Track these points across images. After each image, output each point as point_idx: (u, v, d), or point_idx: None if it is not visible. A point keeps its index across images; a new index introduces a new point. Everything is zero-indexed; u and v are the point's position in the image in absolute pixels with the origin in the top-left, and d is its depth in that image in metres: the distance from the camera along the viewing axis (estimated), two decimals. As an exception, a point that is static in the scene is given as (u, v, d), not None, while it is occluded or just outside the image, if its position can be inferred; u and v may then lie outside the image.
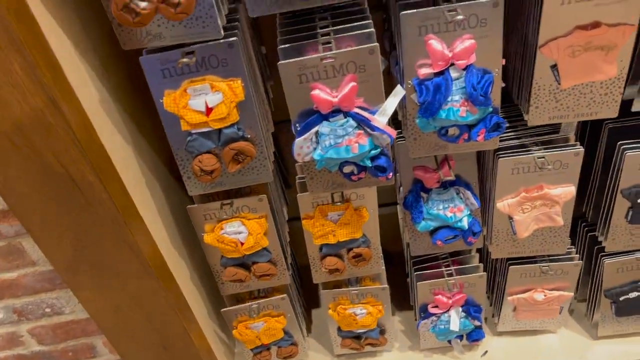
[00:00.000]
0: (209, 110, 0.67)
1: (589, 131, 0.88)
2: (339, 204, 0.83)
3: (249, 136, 0.71)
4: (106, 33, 0.67)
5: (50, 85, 0.52)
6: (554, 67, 0.71)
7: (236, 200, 0.81)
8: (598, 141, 0.86)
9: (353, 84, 0.66)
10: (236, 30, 0.66)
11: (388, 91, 0.69)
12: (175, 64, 0.65)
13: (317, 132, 0.69)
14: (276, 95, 0.92)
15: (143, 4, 0.56)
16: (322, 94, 0.66)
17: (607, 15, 0.67)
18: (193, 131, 0.70)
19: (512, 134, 0.83)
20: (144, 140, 0.79)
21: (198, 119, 0.67)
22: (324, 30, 0.69)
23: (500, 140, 0.82)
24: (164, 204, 0.81)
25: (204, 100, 0.67)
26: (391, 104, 0.68)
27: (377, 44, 0.64)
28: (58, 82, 0.53)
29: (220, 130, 0.70)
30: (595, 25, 0.68)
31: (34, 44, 0.50)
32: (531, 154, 0.79)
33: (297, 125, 0.69)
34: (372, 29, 0.66)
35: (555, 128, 0.82)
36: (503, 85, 0.71)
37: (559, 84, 0.72)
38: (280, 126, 0.90)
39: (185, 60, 0.63)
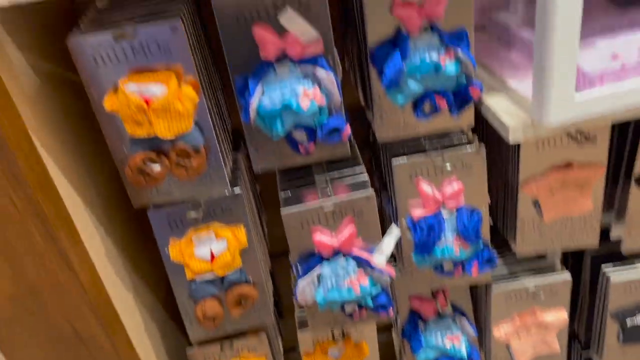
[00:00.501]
0: (213, 258, 0.69)
1: (571, 254, 0.92)
2: (339, 340, 0.83)
3: (251, 280, 0.73)
4: (112, 186, 0.70)
5: (67, 251, 0.53)
6: (536, 203, 0.77)
7: (236, 340, 0.81)
8: (581, 263, 0.90)
9: (352, 228, 0.69)
10: (239, 180, 0.70)
11: (382, 226, 0.73)
12: (182, 216, 0.67)
13: (318, 274, 0.71)
14: (269, 229, 0.95)
15: (157, 168, 0.60)
16: (324, 238, 0.69)
17: (579, 156, 0.74)
18: (197, 278, 0.71)
19: (501, 261, 0.87)
20: (144, 286, 0.80)
21: (203, 267, 0.69)
22: (321, 176, 0.74)
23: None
24: (163, 350, 0.80)
25: (209, 248, 0.69)
26: (388, 243, 0.72)
27: (372, 191, 0.69)
28: (75, 248, 0.55)
29: (223, 275, 0.71)
30: (569, 166, 0.74)
31: (56, 216, 0.52)
32: (523, 282, 0.82)
33: (299, 267, 0.72)
34: (367, 177, 0.71)
35: (541, 255, 0.86)
36: (491, 223, 0.76)
37: (542, 218, 0.77)
38: (272, 258, 0.92)
39: (194, 215, 0.66)
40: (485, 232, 0.75)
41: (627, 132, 0.74)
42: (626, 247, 0.80)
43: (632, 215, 0.78)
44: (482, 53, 0.75)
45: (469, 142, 0.72)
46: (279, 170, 0.77)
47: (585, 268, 0.88)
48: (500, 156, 0.80)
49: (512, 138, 0.61)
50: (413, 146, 0.73)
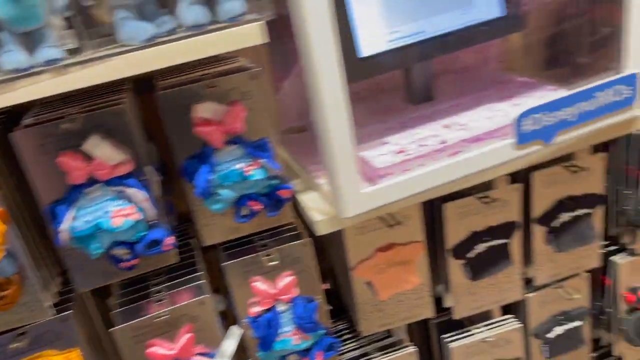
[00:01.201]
0: (44, 387, 0.67)
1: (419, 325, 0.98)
2: None
3: (91, 403, 0.70)
4: None
5: None
6: (369, 283, 0.82)
7: None
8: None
9: (189, 335, 0.70)
10: (71, 303, 0.69)
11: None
12: (5, 348, 0.65)
13: (160, 387, 0.70)
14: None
15: (-35, 303, 0.59)
16: (159, 350, 0.69)
17: (398, 237, 0.81)
18: (28, 411, 0.67)
19: (355, 343, 0.91)
20: None
21: (33, 399, 0.66)
22: (158, 287, 0.75)
23: (344, 352, 0.89)
24: None
25: (39, 378, 0.66)
26: (228, 345, 0.73)
27: (207, 295, 0.71)
28: None
29: (58, 404, 0.68)
30: (390, 246, 0.81)
31: None
32: (371, 362, 0.86)
33: (140, 383, 0.71)
34: (204, 281, 0.74)
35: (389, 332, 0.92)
36: (330, 307, 0.80)
37: (377, 296, 0.83)
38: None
39: (17, 344, 0.64)
40: (324, 318, 0.79)
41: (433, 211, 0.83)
42: (456, 314, 0.87)
43: (456, 285, 0.86)
44: (302, 153, 0.82)
45: (298, 236, 0.77)
46: (116, 283, 0.77)
47: (432, 337, 0.94)
48: (334, 242, 0.86)
49: (319, 230, 0.67)
50: (244, 245, 0.77)
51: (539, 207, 0.85)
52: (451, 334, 0.89)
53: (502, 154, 0.69)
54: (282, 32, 0.63)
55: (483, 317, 0.94)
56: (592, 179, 0.85)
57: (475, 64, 0.97)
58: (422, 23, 0.74)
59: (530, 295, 0.91)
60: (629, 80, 0.71)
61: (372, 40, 0.72)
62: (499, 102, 0.79)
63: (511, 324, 0.90)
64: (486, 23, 0.77)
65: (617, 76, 0.70)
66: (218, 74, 0.66)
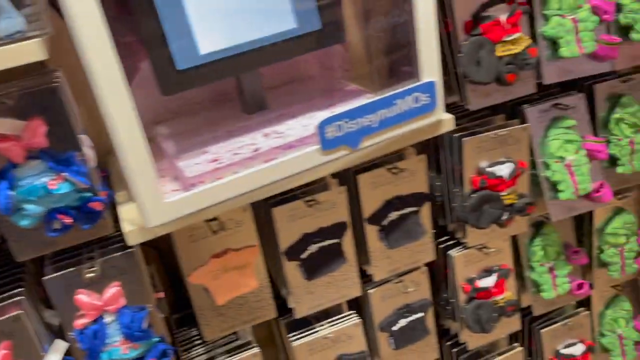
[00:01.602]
0: None
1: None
2: None
3: None
4: None
5: None
6: (206, 289, 0.85)
7: None
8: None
9: (4, 352, 0.70)
10: None
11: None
12: None
13: (-25, 408, 0.69)
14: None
15: None
16: (-29, 370, 0.68)
17: (232, 243, 0.84)
18: None
19: (204, 348, 0.92)
20: None
21: None
22: (-24, 305, 0.74)
23: (193, 358, 0.91)
24: None
25: None
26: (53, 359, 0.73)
27: (22, 311, 0.71)
28: None
29: None
30: (225, 252, 0.84)
31: None
32: (215, 366, 0.89)
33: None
34: (24, 297, 0.73)
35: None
36: (163, 315, 0.82)
37: (215, 301, 0.85)
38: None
39: None
40: (159, 326, 0.80)
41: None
42: (298, 313, 0.91)
43: (294, 285, 0.89)
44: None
45: (125, 247, 0.78)
46: None
47: (283, 337, 0.98)
48: (173, 251, 0.87)
49: (129, 241, 0.69)
50: (71, 258, 0.77)
51: (369, 207, 0.90)
52: (294, 332, 0.93)
53: (310, 160, 0.73)
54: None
55: (335, 313, 0.99)
56: (416, 179, 0.90)
57: (320, 73, 1.02)
58: (238, 37, 0.77)
59: (371, 291, 0.96)
60: (426, 87, 0.76)
61: (188, 53, 0.74)
62: (321, 111, 0.83)
63: (351, 319, 0.94)
64: (303, 36, 0.81)
65: (414, 84, 0.76)
66: (18, 89, 0.66)
